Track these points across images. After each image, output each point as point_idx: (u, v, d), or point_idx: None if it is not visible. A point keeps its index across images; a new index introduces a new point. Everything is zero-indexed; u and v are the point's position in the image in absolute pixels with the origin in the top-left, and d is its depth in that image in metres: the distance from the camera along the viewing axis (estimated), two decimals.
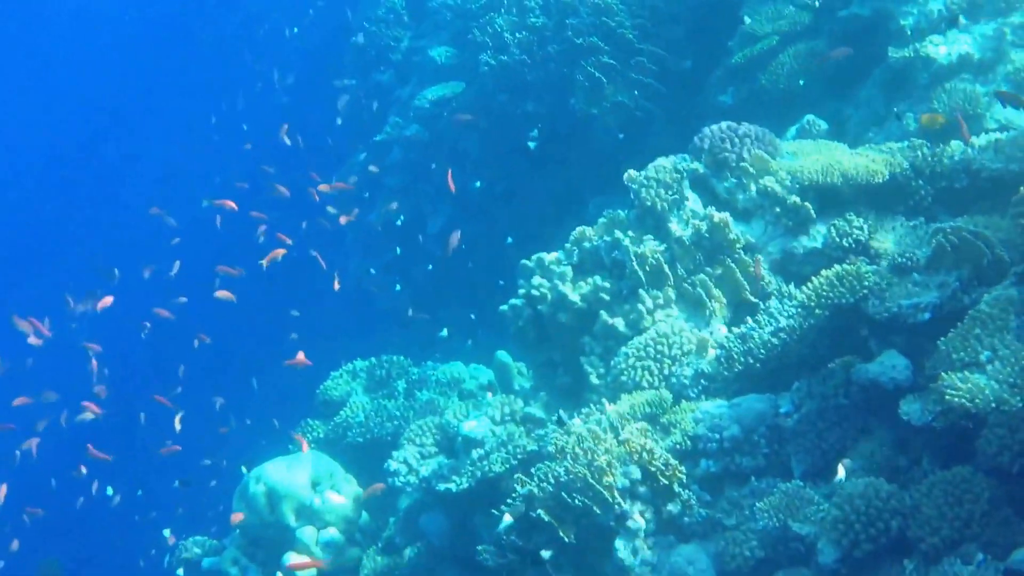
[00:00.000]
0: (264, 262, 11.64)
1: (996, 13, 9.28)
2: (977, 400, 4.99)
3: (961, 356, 5.36)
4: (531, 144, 11.91)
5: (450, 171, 11.53)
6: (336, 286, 14.28)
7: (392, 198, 16.42)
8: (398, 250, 15.76)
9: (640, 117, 12.23)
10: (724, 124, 7.99)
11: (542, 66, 12.98)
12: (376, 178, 17.14)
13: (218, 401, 16.38)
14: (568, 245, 8.32)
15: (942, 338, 5.65)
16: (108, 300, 11.78)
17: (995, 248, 6.29)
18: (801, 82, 10.34)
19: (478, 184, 13.54)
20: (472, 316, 14.08)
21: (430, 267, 15.32)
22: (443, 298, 15.54)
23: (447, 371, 11.07)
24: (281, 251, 11.91)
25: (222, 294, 13.01)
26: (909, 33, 9.59)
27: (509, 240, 13.97)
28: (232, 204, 13.50)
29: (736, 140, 7.80)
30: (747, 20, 10.93)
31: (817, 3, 10.42)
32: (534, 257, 8.32)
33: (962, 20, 9.27)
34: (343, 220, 14.81)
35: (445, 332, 13.50)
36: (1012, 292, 5.49)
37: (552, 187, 13.84)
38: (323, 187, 14.19)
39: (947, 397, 5.10)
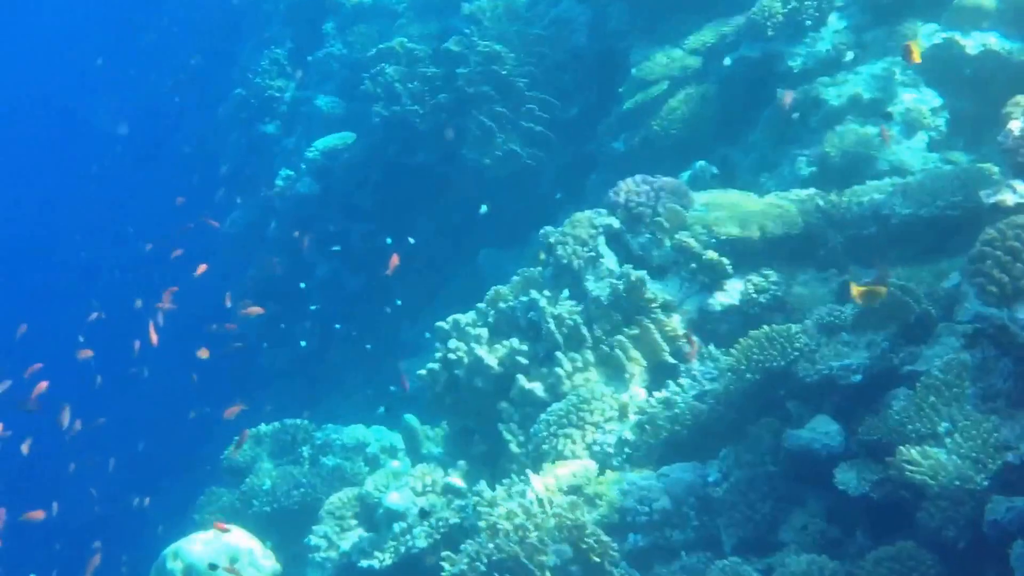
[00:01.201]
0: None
1: (884, 52, 9.00)
2: (940, 477, 4.50)
3: (917, 427, 4.86)
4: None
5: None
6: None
7: (273, 250, 15.64)
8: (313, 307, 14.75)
9: (531, 165, 11.71)
10: (639, 177, 7.48)
11: (433, 116, 12.35)
12: (258, 230, 16.32)
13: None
14: (483, 306, 7.72)
15: (894, 406, 5.16)
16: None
17: (922, 303, 5.88)
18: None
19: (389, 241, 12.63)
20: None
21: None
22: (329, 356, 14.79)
23: (351, 434, 10.34)
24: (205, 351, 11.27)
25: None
26: (798, 74, 9.27)
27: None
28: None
29: (651, 194, 7.29)
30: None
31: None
32: (450, 319, 7.69)
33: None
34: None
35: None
36: (964, 357, 5.03)
37: (443, 237, 13.25)
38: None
39: (907, 474, 4.59)
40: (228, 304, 14.29)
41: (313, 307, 14.34)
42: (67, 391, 12.25)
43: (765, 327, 6.09)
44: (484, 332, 7.47)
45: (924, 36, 8.81)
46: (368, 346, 14.26)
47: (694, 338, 6.88)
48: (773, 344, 5.92)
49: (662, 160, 10.13)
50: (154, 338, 11.95)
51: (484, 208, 11.29)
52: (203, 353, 11.24)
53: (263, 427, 10.52)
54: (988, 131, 8.39)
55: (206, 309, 15.54)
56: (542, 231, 7.63)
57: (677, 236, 7.11)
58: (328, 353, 14.98)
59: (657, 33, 10.66)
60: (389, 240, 13.16)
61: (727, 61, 9.79)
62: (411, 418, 9.40)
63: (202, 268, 12.24)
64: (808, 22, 9.20)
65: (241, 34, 19.79)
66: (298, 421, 10.55)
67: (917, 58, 7.94)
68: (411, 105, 12.40)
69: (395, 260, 10.23)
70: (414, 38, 13.61)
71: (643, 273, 7.03)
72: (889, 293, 5.89)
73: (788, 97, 8.87)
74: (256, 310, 12.33)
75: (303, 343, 14.20)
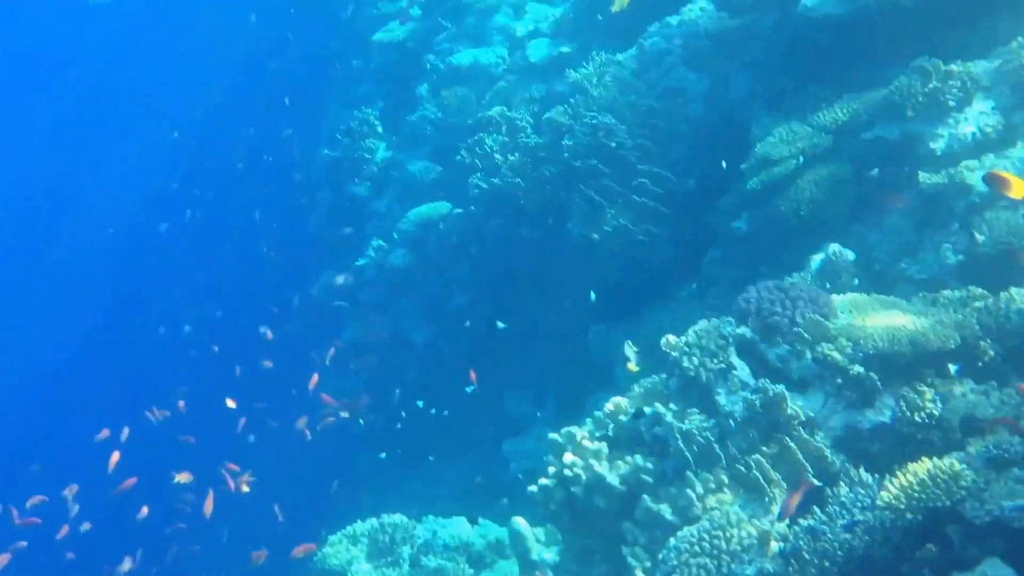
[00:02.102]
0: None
1: None
2: None
3: None
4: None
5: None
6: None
7: (369, 316, 15.75)
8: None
9: (643, 241, 11.55)
10: (771, 284, 7.28)
11: (537, 189, 12.29)
12: (348, 296, 16.42)
13: None
14: (601, 416, 7.54)
15: None
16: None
17: None
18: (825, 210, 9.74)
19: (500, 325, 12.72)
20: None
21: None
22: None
23: (454, 534, 10.19)
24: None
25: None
26: (940, 157, 9.03)
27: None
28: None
29: (787, 302, 7.07)
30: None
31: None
32: (563, 431, 7.53)
33: None
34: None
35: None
36: None
37: (549, 312, 13.13)
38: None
39: None
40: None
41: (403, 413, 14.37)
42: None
43: (927, 461, 5.82)
44: (603, 447, 7.29)
45: None
46: (445, 412, 14.28)
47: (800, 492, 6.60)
48: (936, 482, 5.65)
49: (789, 242, 9.95)
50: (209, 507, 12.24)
51: (593, 296, 11.25)
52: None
53: (359, 525, 10.44)
54: None
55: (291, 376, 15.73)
56: (663, 341, 7.44)
57: (820, 348, 6.87)
58: (426, 430, 14.94)
59: (782, 107, 10.49)
60: (468, 323, 13.21)
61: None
62: (518, 523, 9.23)
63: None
64: (951, 102, 8.97)
65: (328, 90, 20.03)
66: (396, 518, 10.46)
67: (1019, 191, 7.44)
68: (512, 178, 12.36)
69: (473, 376, 10.79)
70: (514, 104, 13.62)
71: (782, 388, 6.80)
72: None
73: (900, 201, 8.82)
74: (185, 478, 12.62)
75: (393, 452, 14.17)
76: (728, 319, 7.37)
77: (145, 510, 13.61)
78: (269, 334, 15.38)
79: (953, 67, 9.02)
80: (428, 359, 15.17)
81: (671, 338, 7.38)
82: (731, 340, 7.19)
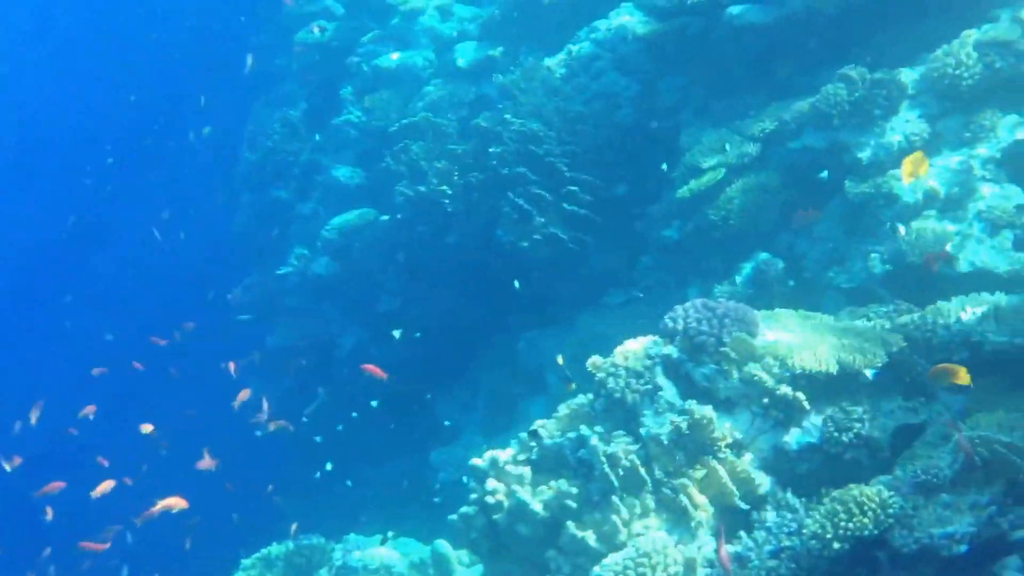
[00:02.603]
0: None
1: (960, 144, 8.77)
2: None
3: None
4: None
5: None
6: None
7: (293, 322, 15.50)
8: None
9: (573, 249, 11.42)
10: (699, 302, 7.17)
11: (463, 196, 12.09)
12: (276, 298, 16.14)
13: None
14: (525, 438, 7.38)
15: None
16: None
17: None
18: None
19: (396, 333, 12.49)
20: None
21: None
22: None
23: (374, 556, 9.96)
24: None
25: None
26: (867, 165, 9.02)
27: None
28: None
29: (714, 320, 6.97)
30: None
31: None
32: (487, 456, 7.34)
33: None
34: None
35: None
36: None
37: (478, 322, 12.97)
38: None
39: None
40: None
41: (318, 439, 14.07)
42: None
43: (854, 488, 5.77)
44: (527, 471, 7.14)
45: (1005, 128, 8.62)
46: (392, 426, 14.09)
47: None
48: (864, 510, 5.60)
49: (720, 250, 9.94)
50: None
51: (517, 284, 11.19)
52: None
53: (274, 547, 10.20)
54: None
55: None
56: (589, 362, 7.31)
57: (746, 368, 6.79)
58: (353, 436, 14.69)
59: (711, 114, 10.48)
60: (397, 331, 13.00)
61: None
62: (441, 544, 9.09)
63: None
64: (877, 111, 8.96)
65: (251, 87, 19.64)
66: (314, 540, 10.24)
67: (908, 175, 7.77)
68: (438, 185, 12.16)
69: (379, 373, 10.76)
70: (441, 108, 13.43)
71: (709, 409, 6.71)
72: (992, 450, 5.59)
73: (809, 215, 9.09)
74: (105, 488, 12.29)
75: (328, 465, 13.87)
76: (655, 339, 7.26)
77: (50, 511, 13.32)
78: (162, 342, 15.03)
79: (879, 75, 9.01)
80: (355, 366, 14.90)
81: (597, 359, 7.25)
82: (658, 360, 7.08)
